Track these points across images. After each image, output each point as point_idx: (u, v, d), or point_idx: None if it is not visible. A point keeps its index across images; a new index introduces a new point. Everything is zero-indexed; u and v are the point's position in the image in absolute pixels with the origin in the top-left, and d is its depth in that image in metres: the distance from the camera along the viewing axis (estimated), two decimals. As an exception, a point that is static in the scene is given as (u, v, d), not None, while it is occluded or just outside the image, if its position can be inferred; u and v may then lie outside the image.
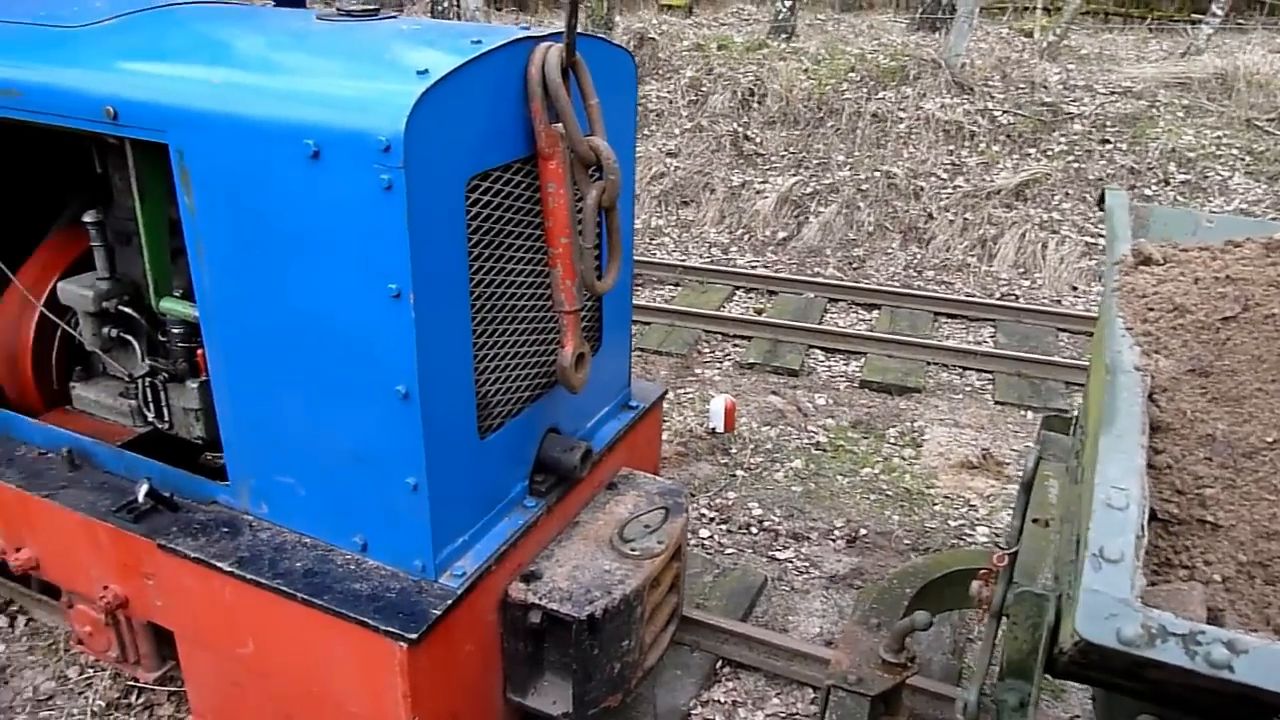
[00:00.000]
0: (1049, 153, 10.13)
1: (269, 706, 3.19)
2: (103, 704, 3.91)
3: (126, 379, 3.68)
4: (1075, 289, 8.76)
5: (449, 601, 2.84)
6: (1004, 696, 2.50)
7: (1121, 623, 1.42)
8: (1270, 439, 1.76)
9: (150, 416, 3.69)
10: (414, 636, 2.70)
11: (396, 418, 2.69)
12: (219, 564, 3.00)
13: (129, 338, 3.65)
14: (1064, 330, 7.88)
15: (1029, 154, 10.17)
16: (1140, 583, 1.45)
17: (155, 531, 3.18)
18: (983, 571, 2.47)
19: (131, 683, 3.97)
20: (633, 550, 3.33)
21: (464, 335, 2.79)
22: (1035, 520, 2.69)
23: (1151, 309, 2.23)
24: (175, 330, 3.46)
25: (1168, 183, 9.63)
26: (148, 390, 3.64)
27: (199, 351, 3.24)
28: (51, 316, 3.72)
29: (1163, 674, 1.43)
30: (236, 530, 3.15)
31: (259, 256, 2.73)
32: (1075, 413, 3.21)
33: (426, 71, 2.46)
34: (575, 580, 3.19)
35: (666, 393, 4.18)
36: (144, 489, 3.20)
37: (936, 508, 5.52)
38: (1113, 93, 10.83)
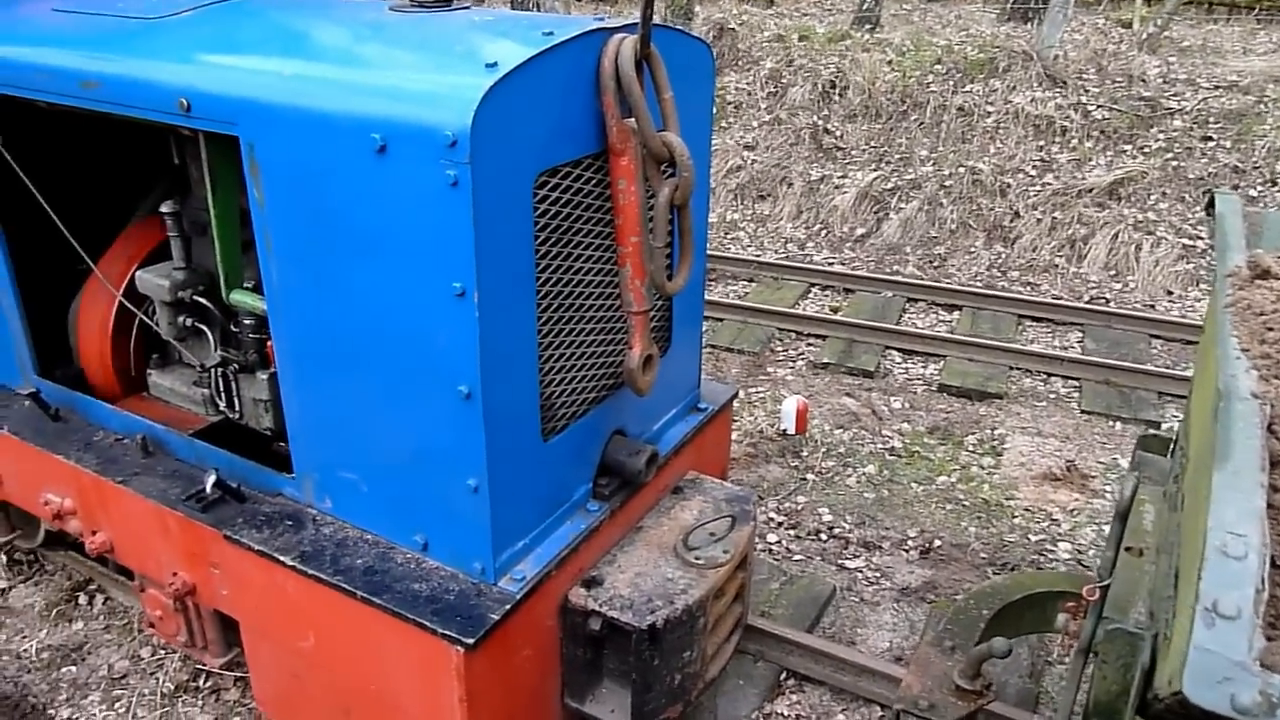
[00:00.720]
0: (1146, 150, 9.67)
1: (328, 700, 3.18)
2: (172, 686, 3.98)
3: (199, 368, 3.71)
4: (1170, 293, 8.34)
5: (508, 606, 2.78)
6: None
7: (1237, 688, 1.27)
8: None
9: (221, 406, 3.72)
10: (471, 641, 2.65)
11: (458, 418, 2.64)
12: (281, 558, 2.99)
13: (203, 328, 3.69)
14: (1157, 337, 7.51)
15: (1124, 151, 9.73)
16: (1260, 643, 1.30)
17: (221, 522, 3.20)
18: (1070, 605, 2.31)
19: (200, 666, 4.03)
20: (697, 559, 3.23)
21: (529, 335, 2.72)
22: (1128, 549, 2.51)
23: (1271, 328, 2.04)
24: (246, 322, 3.47)
25: (1275, 183, 9.10)
26: (219, 380, 3.67)
27: (268, 344, 3.25)
28: (129, 306, 3.78)
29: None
30: (300, 524, 3.14)
31: (325, 251, 2.70)
32: (1173, 432, 3.00)
33: (495, 64, 2.39)
34: (637, 588, 3.11)
35: (737, 394, 4.06)
36: (211, 479, 3.22)
37: (1016, 521, 5.29)
38: (1217, 87, 10.28)
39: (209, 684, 4.00)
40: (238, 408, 3.68)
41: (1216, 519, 1.44)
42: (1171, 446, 2.96)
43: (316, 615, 3.03)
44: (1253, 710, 1.26)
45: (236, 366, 3.59)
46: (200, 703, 3.92)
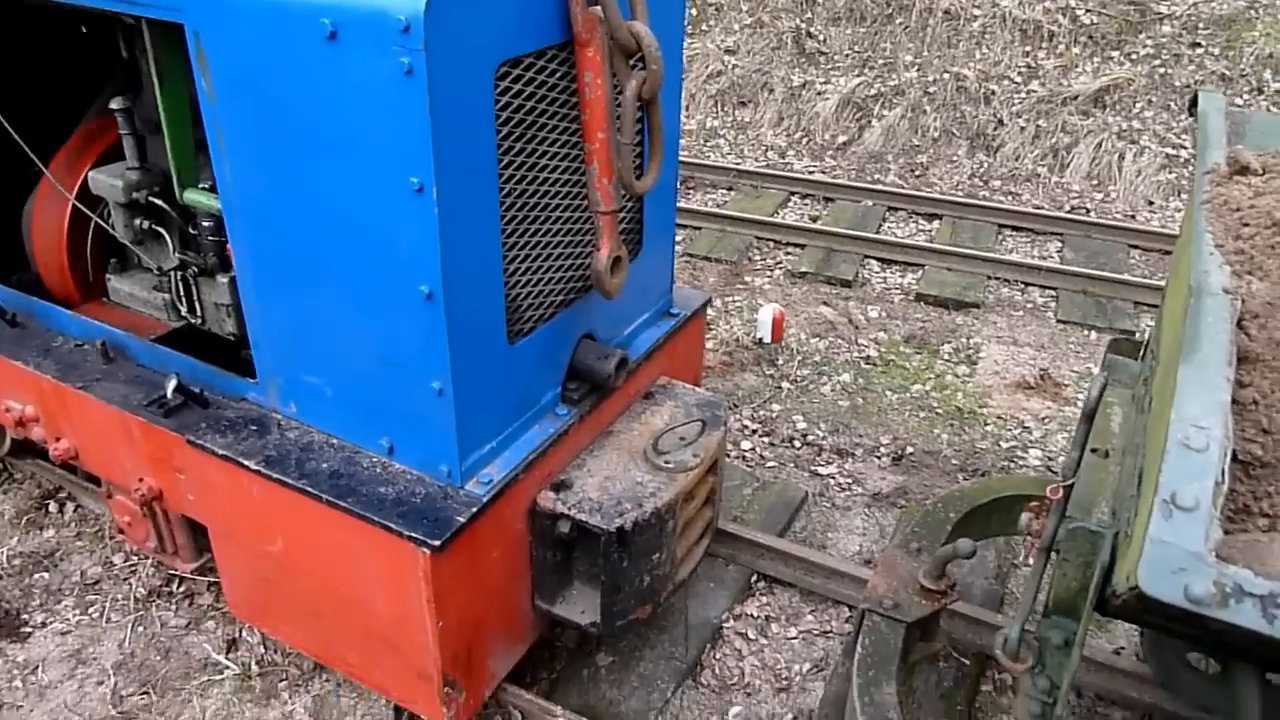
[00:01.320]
0: (1133, 56, 9.48)
1: (299, 603, 3.20)
2: (145, 591, 3.99)
3: (157, 272, 3.62)
4: (1151, 204, 8.29)
5: (474, 509, 2.77)
6: (1048, 634, 2.37)
7: (1191, 578, 1.27)
8: None
9: (183, 311, 3.64)
10: (438, 543, 2.65)
11: (420, 319, 2.58)
12: (245, 462, 2.96)
13: (160, 230, 3.58)
14: (1136, 247, 7.48)
15: (1111, 57, 9.53)
16: (1216, 535, 1.29)
17: (185, 427, 3.15)
18: (1034, 504, 2.31)
19: (172, 572, 4.04)
20: (666, 463, 3.22)
21: (492, 234, 2.64)
22: (1094, 450, 2.51)
23: (1246, 224, 1.99)
24: (205, 224, 3.37)
25: (1261, 91, 8.97)
26: (179, 284, 3.58)
27: (228, 246, 3.15)
28: (82, 208, 3.66)
29: (1234, 633, 1.28)
30: (265, 429, 3.10)
31: (278, 146, 2.59)
32: (1145, 336, 2.98)
33: (451, -56, 2.26)
34: (606, 491, 3.10)
35: (710, 300, 4.01)
36: (173, 384, 3.16)
37: (988, 428, 5.33)
38: (1208, -9, 10.04)
39: (182, 589, 4.02)
40: (199, 313, 3.60)
41: (1180, 412, 1.42)
42: (1143, 350, 2.95)
43: (283, 519, 3.02)
44: (1206, 601, 1.25)
45: (196, 270, 3.50)
46: (174, 607, 3.94)
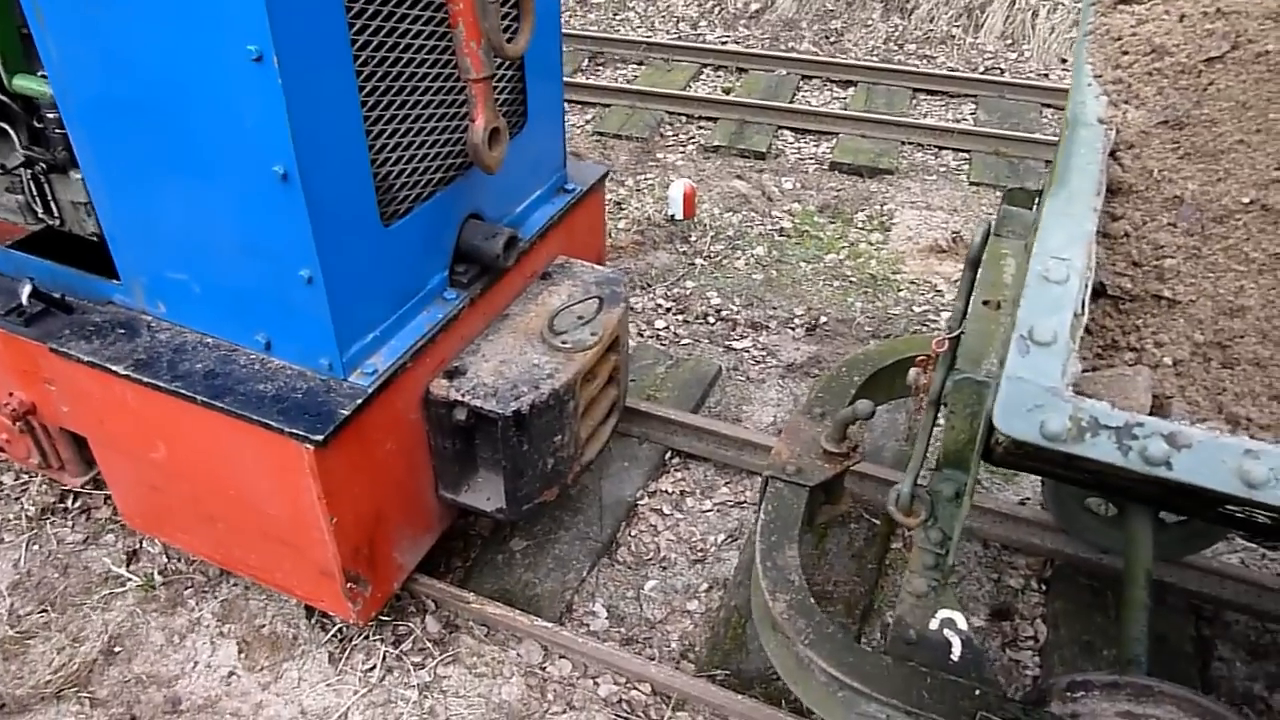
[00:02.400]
0: (1048, -93, 9.23)
1: (190, 508, 3.09)
2: (36, 509, 3.83)
3: (2, 172, 3.33)
4: (1064, 61, 8.21)
5: (359, 401, 2.66)
6: (939, 487, 2.38)
7: (1047, 414, 1.23)
8: (1246, 199, 1.50)
9: (39, 212, 3.37)
10: (320, 438, 2.54)
11: (279, 202, 2.40)
12: (114, 368, 2.79)
13: (3, 125, 3.27)
14: (1049, 106, 7.42)
15: (1026, -91, 9.27)
16: (1074, 369, 1.24)
17: (48, 335, 2.96)
18: (920, 358, 2.28)
19: (65, 488, 3.88)
20: (564, 343, 3.13)
21: (350, 107, 2.45)
22: (986, 302, 2.47)
23: (1126, 52, 1.91)
24: (50, 115, 3.08)
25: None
26: (30, 183, 3.30)
27: (73, 136, 2.90)
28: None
29: (1099, 468, 1.25)
30: (134, 331, 2.93)
31: (102, 15, 2.34)
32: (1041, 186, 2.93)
33: None
34: (502, 375, 3.01)
35: (608, 173, 3.86)
36: (26, 290, 2.95)
37: (901, 294, 5.33)
38: None
39: (78, 504, 3.87)
40: (57, 213, 3.34)
41: (1042, 245, 1.36)
42: (1036, 200, 2.90)
43: (162, 425, 2.88)
44: (1061, 436, 1.22)
45: (44, 166, 3.22)
46: (70, 523, 3.80)
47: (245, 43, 2.15)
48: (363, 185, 2.58)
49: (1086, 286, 1.29)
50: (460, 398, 2.94)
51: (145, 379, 2.76)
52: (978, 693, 2.35)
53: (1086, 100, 1.77)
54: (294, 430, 2.57)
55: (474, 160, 2.85)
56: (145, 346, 2.87)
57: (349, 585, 2.90)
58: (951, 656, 2.43)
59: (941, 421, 2.33)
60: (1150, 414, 1.32)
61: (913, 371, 2.29)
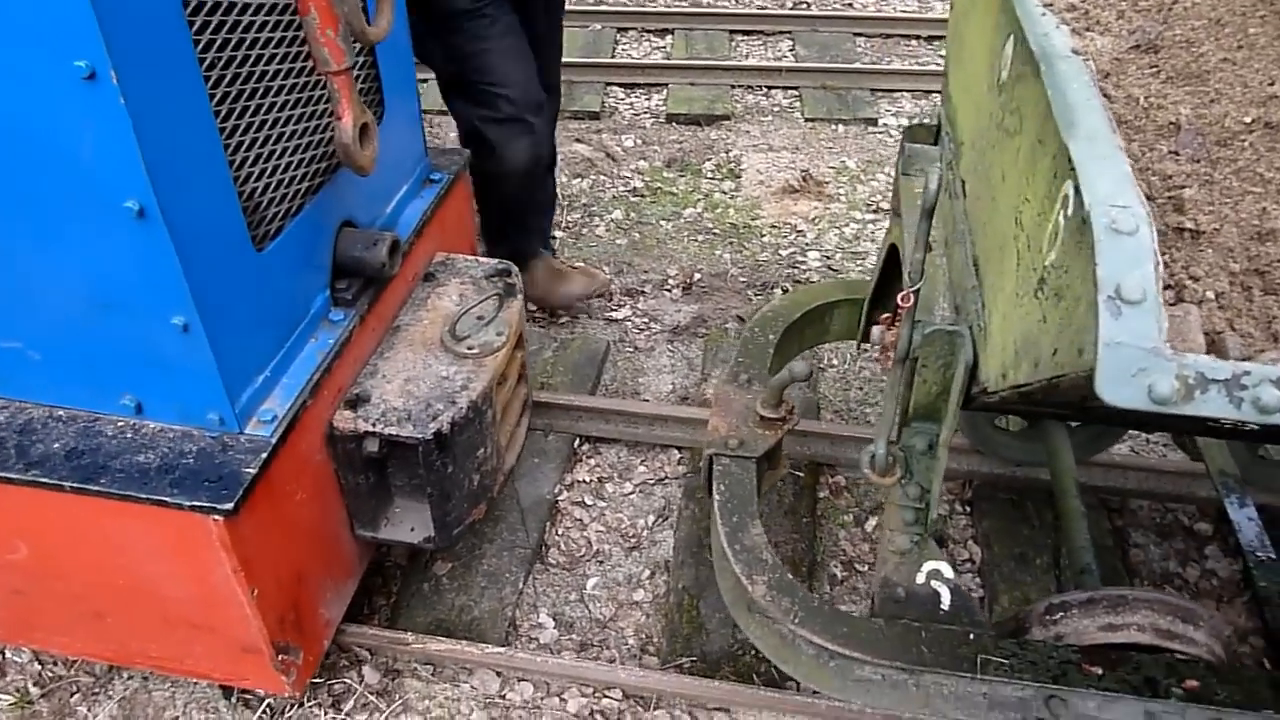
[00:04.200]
0: None
1: (68, 608, 2.65)
2: None
3: None
4: (864, -12, 8.39)
5: (264, 454, 2.32)
6: (912, 441, 2.33)
7: (1153, 378, 1.14)
8: (1248, 119, 1.46)
9: None
10: (230, 506, 2.20)
11: (137, 244, 2.02)
12: (-55, 464, 2.32)
13: None
14: (860, 35, 7.58)
15: None
16: (1165, 324, 1.15)
17: None
18: (884, 316, 2.20)
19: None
20: (470, 348, 2.87)
21: (204, 120, 2.08)
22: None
23: None
24: None
25: None
26: None
27: None
28: None
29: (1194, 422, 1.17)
30: (-41, 417, 2.45)
31: None
32: (936, 118, 2.90)
33: None
34: (411, 395, 2.73)
35: (470, 156, 3.57)
36: None
37: (765, 239, 5.31)
38: None
39: (-91, 621, 3.28)
40: None
41: (1095, 194, 1.25)
42: (938, 132, 2.87)
43: (19, 522, 2.43)
44: (1172, 399, 1.13)
45: None
46: (-96, 645, 3.22)
47: (73, 58, 1.76)
48: (229, 209, 2.22)
49: (1154, 233, 1.20)
50: (370, 428, 2.64)
51: (-10, 472, 2.31)
52: (973, 637, 2.34)
53: (1049, 32, 1.68)
54: (195, 503, 2.21)
55: (345, 162, 2.52)
56: (-20, 433, 2.40)
57: (280, 658, 2.57)
58: (942, 606, 2.41)
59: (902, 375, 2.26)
60: (1206, 353, 1.26)
61: (876, 330, 2.20)
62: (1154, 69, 1.60)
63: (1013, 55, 1.82)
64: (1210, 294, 1.35)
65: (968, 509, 3.68)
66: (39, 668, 3.08)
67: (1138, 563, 3.52)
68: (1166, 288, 1.37)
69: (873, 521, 3.63)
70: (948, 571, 2.41)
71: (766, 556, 2.54)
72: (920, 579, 2.41)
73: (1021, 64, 1.74)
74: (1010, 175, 1.83)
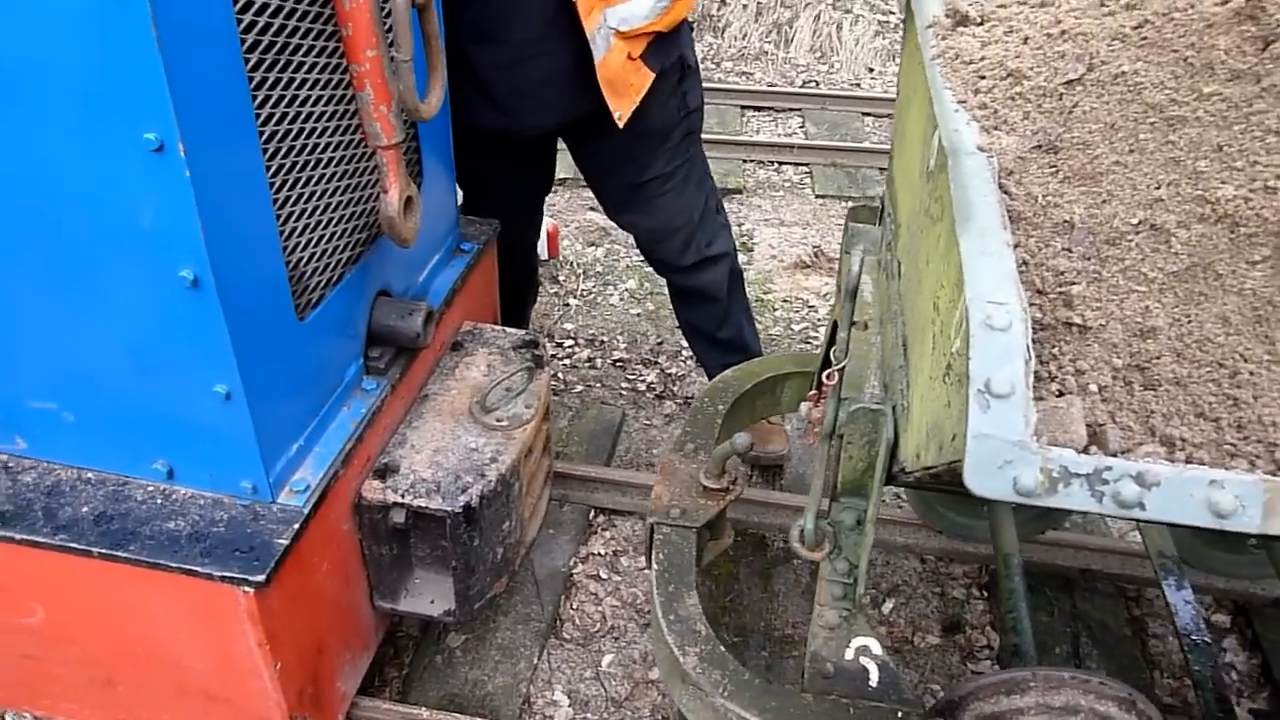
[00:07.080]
0: (833, -76, 9.69)
1: (80, 674, 2.60)
2: None
3: None
4: (872, 70, 8.61)
5: (296, 525, 2.30)
6: (840, 517, 2.38)
7: (1018, 470, 1.21)
8: (1135, 220, 1.53)
9: None
10: (262, 578, 2.17)
11: (188, 311, 2.03)
12: (-29, 526, 2.29)
13: None
14: (868, 114, 7.74)
15: (813, -73, 9.69)
16: (1033, 417, 1.23)
17: None
18: (812, 393, 2.24)
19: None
20: (499, 420, 2.87)
21: (259, 192, 2.11)
22: (853, 324, 2.46)
23: (983, 76, 1.91)
24: None
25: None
26: None
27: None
28: None
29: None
30: (-14, 476, 2.42)
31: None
32: (879, 200, 2.95)
33: None
34: (439, 466, 2.71)
35: (499, 228, 3.61)
36: None
37: (778, 313, 5.35)
38: None
39: (-94, 680, 3.19)
40: None
41: (975, 290, 1.32)
42: (880, 214, 2.91)
43: (39, 585, 2.39)
44: (1035, 491, 1.21)
45: None
46: (-100, 706, 3.13)
47: (143, 130, 1.79)
48: (277, 279, 2.23)
49: (1028, 330, 1.27)
50: (399, 499, 2.62)
51: (16, 535, 2.27)
52: (900, 715, 2.31)
53: (960, 128, 1.75)
54: (226, 574, 2.18)
55: (389, 234, 2.55)
56: (7, 493, 2.37)
57: (296, 733, 2.51)
58: (870, 683, 2.38)
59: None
60: (1088, 444, 1.33)
61: (804, 406, 2.24)
62: (1053, 169, 1.65)
63: (936, 146, 1.88)
64: (1094, 387, 1.40)
65: (985, 594, 3.65)
66: (41, 734, 3.00)
67: (1156, 654, 3.48)
68: (1052, 379, 1.42)
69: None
70: (876, 648, 2.39)
71: (700, 628, 2.51)
72: (849, 654, 2.39)
73: (942, 155, 1.80)
74: (932, 260, 1.87)
